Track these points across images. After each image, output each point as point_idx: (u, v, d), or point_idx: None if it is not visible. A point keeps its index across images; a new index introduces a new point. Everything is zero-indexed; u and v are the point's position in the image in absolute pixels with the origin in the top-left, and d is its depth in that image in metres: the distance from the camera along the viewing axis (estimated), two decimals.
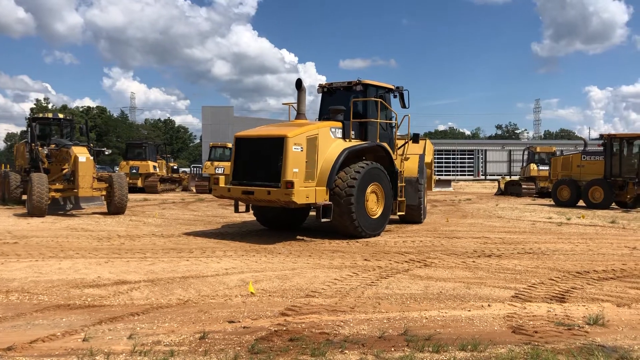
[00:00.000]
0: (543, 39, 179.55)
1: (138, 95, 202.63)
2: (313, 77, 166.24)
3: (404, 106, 13.98)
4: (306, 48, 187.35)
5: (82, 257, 9.20)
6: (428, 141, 16.82)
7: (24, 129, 29.07)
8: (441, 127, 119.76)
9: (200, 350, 4.63)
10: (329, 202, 11.37)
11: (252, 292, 6.74)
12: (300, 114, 12.70)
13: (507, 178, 35.39)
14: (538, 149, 31.71)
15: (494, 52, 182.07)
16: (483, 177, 60.06)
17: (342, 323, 5.48)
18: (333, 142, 12.07)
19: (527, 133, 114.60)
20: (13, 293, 6.61)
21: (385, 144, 13.19)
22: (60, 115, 22.09)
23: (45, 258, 8.98)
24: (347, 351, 4.65)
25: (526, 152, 32.09)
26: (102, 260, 8.83)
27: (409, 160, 14.32)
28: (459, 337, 5.01)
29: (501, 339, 5.02)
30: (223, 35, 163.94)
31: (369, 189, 11.95)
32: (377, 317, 5.73)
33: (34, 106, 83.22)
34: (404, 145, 14.17)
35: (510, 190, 30.13)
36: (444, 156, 61.80)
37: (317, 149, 11.65)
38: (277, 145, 11.17)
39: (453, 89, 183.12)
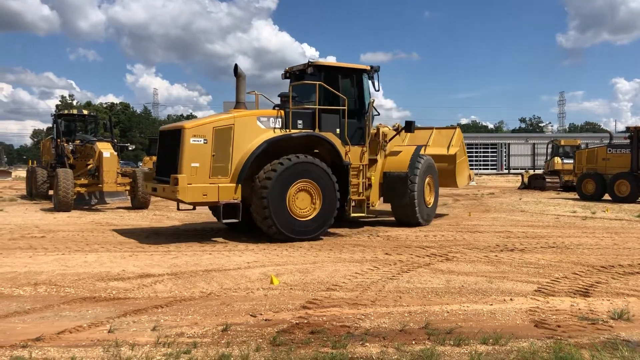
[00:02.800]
0: (568, 30, 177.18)
1: (160, 91, 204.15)
2: None
3: (375, 88, 12.41)
4: (327, 42, 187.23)
5: (107, 250, 9.36)
6: (458, 131, 15.80)
7: (50, 125, 29.58)
8: (464, 121, 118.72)
9: (222, 342, 4.69)
10: (235, 201, 10.34)
11: (275, 284, 6.78)
12: (239, 103, 11.46)
13: (531, 172, 34.96)
14: (562, 142, 31.27)
15: (517, 44, 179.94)
16: (506, 171, 59.37)
17: (363, 316, 5.50)
18: (262, 133, 10.81)
19: (551, 126, 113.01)
20: (41, 285, 6.76)
21: (328, 134, 11.28)
22: (85, 112, 22.49)
23: (72, 252, 9.16)
24: (368, 344, 4.67)
25: (550, 146, 31.66)
26: (127, 254, 8.98)
27: (400, 152, 13.02)
28: (480, 331, 4.99)
29: (523, 333, 4.99)
30: (244, 30, 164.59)
31: (294, 187, 10.50)
32: (398, 310, 5.74)
33: (59, 103, 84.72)
34: (395, 135, 13.21)
35: (533, 184, 29.75)
36: (466, 149, 61.24)
37: (232, 141, 10.52)
38: (176, 138, 10.36)
39: (476, 82, 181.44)
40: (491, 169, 60.64)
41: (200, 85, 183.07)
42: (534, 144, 59.33)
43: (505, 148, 61.46)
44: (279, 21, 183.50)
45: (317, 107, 11.37)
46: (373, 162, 12.58)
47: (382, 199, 12.97)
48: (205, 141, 10.29)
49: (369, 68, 12.36)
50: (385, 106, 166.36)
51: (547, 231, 12.20)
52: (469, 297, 6.33)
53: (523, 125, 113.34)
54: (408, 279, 7.22)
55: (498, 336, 4.79)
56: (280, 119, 11.08)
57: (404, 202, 12.67)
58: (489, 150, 61.94)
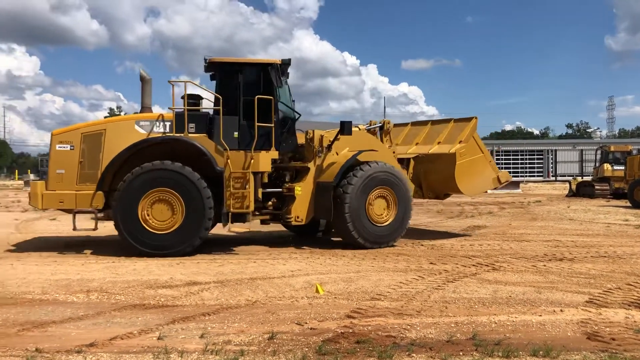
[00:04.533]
0: (617, 32, 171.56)
1: (204, 102, 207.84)
2: (375, 79, 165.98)
3: (276, 84, 10.55)
4: (368, 50, 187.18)
5: (155, 259, 9.56)
6: (472, 123, 12.21)
7: None
8: (508, 127, 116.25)
9: (269, 350, 4.74)
10: (91, 209, 10.05)
11: (320, 293, 6.80)
12: (144, 108, 11.17)
13: (579, 179, 33.99)
14: (612, 148, 30.30)
15: (564, 48, 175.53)
16: (553, 178, 57.88)
17: (408, 326, 5.46)
18: (139, 138, 10.16)
19: (600, 132, 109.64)
20: (93, 292, 6.97)
21: (201, 138, 10.15)
22: None
23: (121, 259, 9.41)
24: (414, 354, 4.63)
25: (599, 152, 30.75)
26: (174, 262, 9.16)
27: (332, 159, 11.09)
28: (529, 342, 4.88)
29: (575, 345, 4.86)
30: (285, 41, 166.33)
31: (147, 198, 9.69)
32: (445, 321, 5.67)
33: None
34: (334, 140, 11.09)
35: (582, 191, 28.93)
36: (511, 157, 60.08)
37: (102, 147, 10.07)
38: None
39: (520, 87, 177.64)
40: (537, 176, 59.20)
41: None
42: (581, 150, 57.72)
43: (551, 155, 59.93)
44: (319, 30, 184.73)
45: (185, 108, 10.28)
46: (304, 170, 11.07)
47: None
48: (72, 147, 10.12)
49: (274, 62, 10.70)
50: (428, 113, 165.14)
51: (597, 240, 11.84)
52: (517, 308, 6.20)
53: (570, 131, 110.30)
54: (454, 289, 7.13)
55: (549, 348, 4.67)
56: (166, 123, 10.29)
57: (334, 217, 10.64)
58: (535, 157, 60.49)
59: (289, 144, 10.95)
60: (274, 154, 10.56)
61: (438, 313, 5.99)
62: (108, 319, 5.78)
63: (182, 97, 10.56)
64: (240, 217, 10.37)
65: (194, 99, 10.64)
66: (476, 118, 12.23)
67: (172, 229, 9.78)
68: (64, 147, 10.13)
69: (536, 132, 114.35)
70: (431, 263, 9.09)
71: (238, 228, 13.43)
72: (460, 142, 11.83)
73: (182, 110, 10.28)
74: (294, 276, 8.01)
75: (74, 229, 10.18)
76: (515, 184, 37.35)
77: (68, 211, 10.51)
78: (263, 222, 11.11)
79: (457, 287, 7.23)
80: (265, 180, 10.62)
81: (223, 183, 10.11)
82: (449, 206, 21.86)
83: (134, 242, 9.73)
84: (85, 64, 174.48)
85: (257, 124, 10.19)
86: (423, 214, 18.56)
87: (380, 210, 10.87)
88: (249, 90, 10.39)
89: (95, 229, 10.29)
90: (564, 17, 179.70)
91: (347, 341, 4.98)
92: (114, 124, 10.59)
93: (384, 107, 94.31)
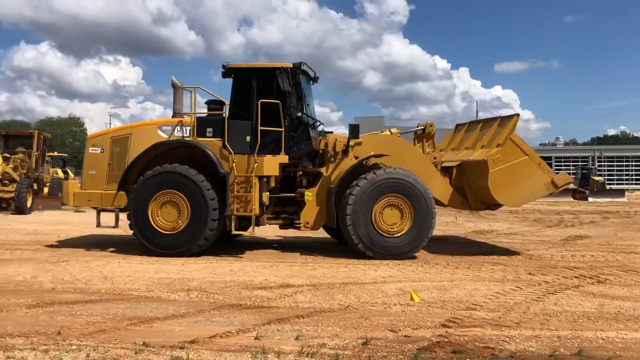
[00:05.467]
0: None
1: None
2: (467, 83, 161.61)
3: (282, 88, 10.29)
4: (459, 53, 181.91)
5: (250, 260, 9.86)
6: (512, 121, 10.58)
7: None
8: (611, 132, 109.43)
9: (363, 355, 4.73)
10: (112, 208, 10.63)
11: (414, 300, 6.69)
12: (175, 113, 11.34)
13: None
14: None
15: None
16: None
17: (507, 338, 5.26)
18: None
19: None
20: (193, 291, 7.28)
21: (210, 141, 10.37)
22: None
23: (218, 260, 9.77)
24: None
25: None
26: (268, 264, 9.39)
27: (348, 164, 10.61)
28: None
29: None
30: (375, 46, 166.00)
31: (156, 200, 10.07)
32: (546, 334, 5.41)
33: None
34: (348, 145, 10.70)
35: None
36: (615, 163, 56.53)
37: (128, 150, 10.69)
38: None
39: (625, 89, 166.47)
40: None
41: (332, 101, 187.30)
42: None
43: None
44: (409, 34, 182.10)
45: (194, 112, 10.70)
46: (318, 175, 10.81)
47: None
48: (102, 150, 10.85)
49: (282, 66, 10.47)
50: (523, 117, 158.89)
51: None
52: (627, 324, 5.81)
53: None
54: (555, 301, 6.78)
55: None
56: (186, 128, 10.65)
57: (338, 223, 10.32)
58: None
59: (302, 148, 10.69)
60: (282, 158, 10.45)
61: (539, 326, 5.72)
62: (208, 317, 6.01)
63: (206, 103, 10.92)
64: (245, 221, 10.41)
65: (217, 104, 10.82)
66: (517, 116, 10.71)
67: (178, 230, 10.08)
68: (96, 150, 10.95)
69: None
70: (529, 274, 8.71)
71: (285, 232, 13.19)
72: (498, 145, 10.47)
73: (202, 115, 10.73)
74: (385, 282, 7.95)
75: (98, 225, 10.82)
76: (620, 192, 35.09)
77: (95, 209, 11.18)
78: (282, 226, 11.02)
79: (558, 300, 6.88)
80: (273, 184, 10.55)
81: (227, 186, 10.15)
82: (547, 214, 20.89)
83: (144, 240, 10.15)
84: (183, 73, 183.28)
85: (260, 127, 10.22)
86: (519, 223, 17.86)
87: (392, 220, 10.12)
88: (260, 95, 10.42)
89: (116, 226, 10.82)
90: None
91: (443, 350, 4.87)
92: (139, 128, 11.08)
93: (476, 111, 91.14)
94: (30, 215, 19.60)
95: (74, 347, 4.88)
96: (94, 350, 4.80)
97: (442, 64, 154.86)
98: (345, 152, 10.70)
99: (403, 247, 10.12)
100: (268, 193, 10.46)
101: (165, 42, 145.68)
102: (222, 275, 8.39)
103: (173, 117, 11.28)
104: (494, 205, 11.62)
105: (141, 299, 6.88)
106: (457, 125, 13.23)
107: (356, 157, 10.67)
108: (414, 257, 10.20)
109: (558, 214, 21.68)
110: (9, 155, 21.16)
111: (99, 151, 10.92)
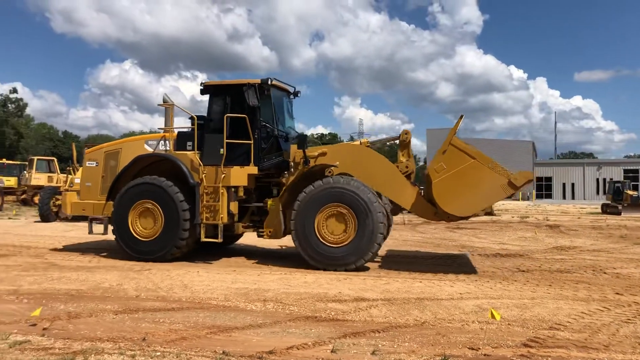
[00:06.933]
0: None
1: (365, 121, 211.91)
2: (544, 93, 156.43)
3: (251, 103, 10.60)
4: (536, 63, 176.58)
5: (323, 272, 9.89)
6: (454, 127, 10.17)
7: None
8: None
9: None
10: (100, 216, 11.58)
11: (494, 318, 6.51)
12: (167, 130, 11.63)
13: None
14: None
15: None
16: None
17: None
18: None
19: None
20: (269, 302, 7.40)
21: (182, 154, 10.94)
22: None
23: (292, 272, 9.88)
24: None
25: None
26: (341, 277, 9.40)
27: (299, 173, 10.80)
28: None
29: None
30: (448, 57, 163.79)
31: (135, 209, 10.93)
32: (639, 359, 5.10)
33: None
34: (304, 156, 10.69)
35: None
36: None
37: (118, 164, 11.62)
38: None
39: None
40: None
41: (403, 113, 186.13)
42: None
43: None
44: (483, 45, 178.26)
45: (171, 128, 11.45)
46: (282, 185, 10.99)
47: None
48: (96, 164, 11.95)
49: (249, 82, 10.79)
50: (605, 128, 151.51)
51: None
52: None
53: None
54: None
55: None
56: (169, 141, 11.40)
57: (284, 233, 10.85)
58: None
59: (272, 160, 11.13)
60: (251, 169, 10.82)
61: (630, 349, 5.41)
62: (284, 328, 6.09)
63: (190, 118, 11.36)
64: (214, 230, 10.77)
65: (201, 120, 11.29)
66: (460, 117, 10.33)
67: (154, 237, 10.80)
68: (92, 164, 12.08)
69: None
70: (617, 293, 8.25)
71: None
72: (444, 152, 9.83)
73: (183, 130, 11.40)
74: (462, 299, 7.76)
75: (90, 232, 11.70)
76: None
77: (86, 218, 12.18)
78: (258, 235, 11.15)
79: None
80: (241, 194, 10.93)
81: (196, 196, 10.67)
82: (635, 231, 19.73)
83: (124, 246, 11.02)
84: None
85: (227, 140, 10.70)
86: (603, 239, 16.96)
87: (336, 230, 10.06)
88: (233, 109, 10.93)
89: (105, 233, 11.56)
90: None
91: None
92: (128, 143, 12.17)
93: (555, 122, 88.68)
94: None
95: (158, 353, 5.08)
96: (177, 357, 4.97)
97: (518, 73, 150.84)
98: (306, 162, 10.75)
99: (347, 257, 9.98)
100: (237, 202, 10.94)
101: (240, 58, 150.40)
102: (297, 287, 8.47)
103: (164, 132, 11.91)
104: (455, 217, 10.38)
105: (220, 308, 7.07)
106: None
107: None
108: (366, 269, 10.12)
109: None
110: None
111: (94, 165, 12.04)
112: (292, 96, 12.55)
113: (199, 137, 11.06)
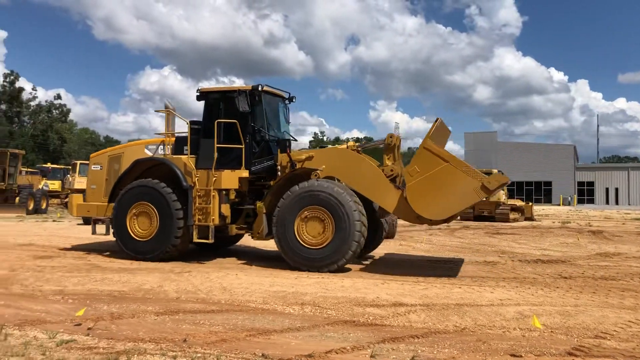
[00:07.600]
0: None
1: (401, 125, 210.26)
2: (586, 95, 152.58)
3: (242, 109, 11.05)
4: (577, 65, 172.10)
5: (360, 277, 9.87)
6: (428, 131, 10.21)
7: None
8: None
9: None
10: (102, 217, 12.11)
11: (537, 326, 6.37)
12: (168, 135, 12.00)
13: None
14: None
15: None
16: None
17: None
18: None
19: None
20: (307, 305, 7.42)
21: (177, 158, 11.43)
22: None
23: (330, 276, 9.87)
24: None
25: None
26: (379, 281, 9.35)
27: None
28: None
29: None
30: (485, 59, 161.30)
31: (132, 210, 11.41)
32: None
33: (312, 139, 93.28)
34: (290, 162, 11.09)
35: None
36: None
37: (121, 167, 12.08)
38: None
39: None
40: None
41: (440, 117, 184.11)
42: None
43: None
44: (522, 46, 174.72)
45: (166, 133, 11.89)
46: (270, 188, 11.32)
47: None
48: (101, 167, 12.55)
49: (239, 88, 11.35)
50: None
51: None
52: None
53: None
54: None
55: None
56: (168, 146, 11.78)
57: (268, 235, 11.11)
58: None
59: (263, 163, 11.53)
60: (242, 173, 11.23)
61: None
62: (322, 332, 6.09)
63: (187, 123, 11.79)
64: (206, 231, 11.05)
65: (194, 125, 11.69)
66: (436, 120, 10.40)
67: (150, 237, 11.25)
68: (96, 168, 12.67)
69: None
70: None
71: None
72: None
73: (180, 134, 11.86)
74: (503, 305, 7.62)
75: (93, 233, 12.28)
76: None
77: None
78: (252, 236, 11.49)
79: None
80: (232, 197, 11.28)
81: (189, 199, 11.10)
82: None
83: (123, 246, 11.51)
84: (293, 92, 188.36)
85: (217, 145, 11.10)
86: None
87: (315, 232, 10.29)
88: (226, 115, 11.39)
89: (107, 233, 12.02)
90: None
91: None
92: (130, 147, 12.63)
93: (597, 125, 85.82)
94: None
95: (199, 355, 5.15)
96: (217, 359, 5.03)
97: (558, 76, 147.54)
98: (292, 166, 11.08)
99: (325, 259, 10.17)
100: (228, 205, 11.29)
101: (276, 63, 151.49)
102: (334, 291, 8.46)
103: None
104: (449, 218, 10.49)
105: (258, 310, 7.12)
106: None
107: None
108: (348, 270, 10.40)
109: None
110: None
111: (99, 168, 12.64)
112: (287, 102, 12.94)
113: (194, 142, 11.54)
